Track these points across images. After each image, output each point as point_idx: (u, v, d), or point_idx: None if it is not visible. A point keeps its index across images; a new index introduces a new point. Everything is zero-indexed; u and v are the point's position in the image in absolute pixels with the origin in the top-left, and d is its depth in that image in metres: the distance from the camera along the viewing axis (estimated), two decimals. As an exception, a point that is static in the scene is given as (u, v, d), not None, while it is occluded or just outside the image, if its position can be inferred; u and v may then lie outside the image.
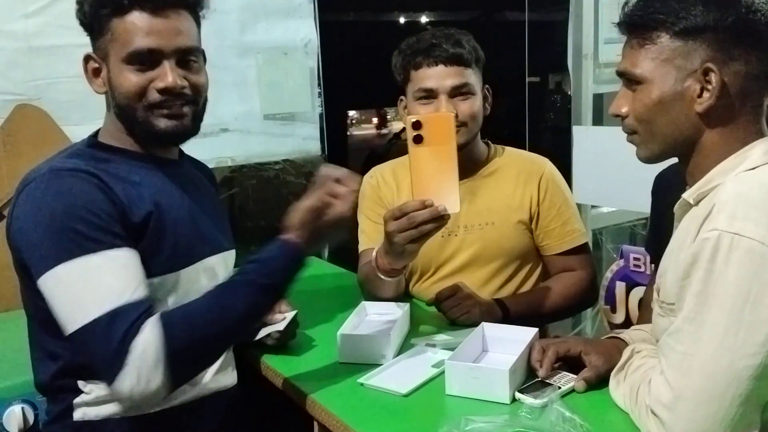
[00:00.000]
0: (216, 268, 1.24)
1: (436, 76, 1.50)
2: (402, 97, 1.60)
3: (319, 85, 2.46)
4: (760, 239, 0.86)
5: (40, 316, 1.08)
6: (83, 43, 2.00)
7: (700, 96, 0.96)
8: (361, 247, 1.68)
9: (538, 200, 1.61)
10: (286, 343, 1.38)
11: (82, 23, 1.13)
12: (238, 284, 1.09)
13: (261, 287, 1.08)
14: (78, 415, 1.13)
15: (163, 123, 1.12)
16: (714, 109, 0.96)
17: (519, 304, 1.56)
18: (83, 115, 2.00)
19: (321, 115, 2.48)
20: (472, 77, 1.53)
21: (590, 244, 3.00)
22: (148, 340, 0.98)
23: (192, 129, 1.17)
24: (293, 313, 1.36)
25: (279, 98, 2.32)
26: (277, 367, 1.31)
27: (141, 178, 1.14)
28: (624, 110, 1.03)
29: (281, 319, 1.34)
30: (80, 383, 1.12)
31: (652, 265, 1.70)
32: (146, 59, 1.09)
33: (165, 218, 1.12)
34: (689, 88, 0.96)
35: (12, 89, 1.92)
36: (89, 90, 2.00)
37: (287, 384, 1.26)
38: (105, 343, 0.97)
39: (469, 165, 1.59)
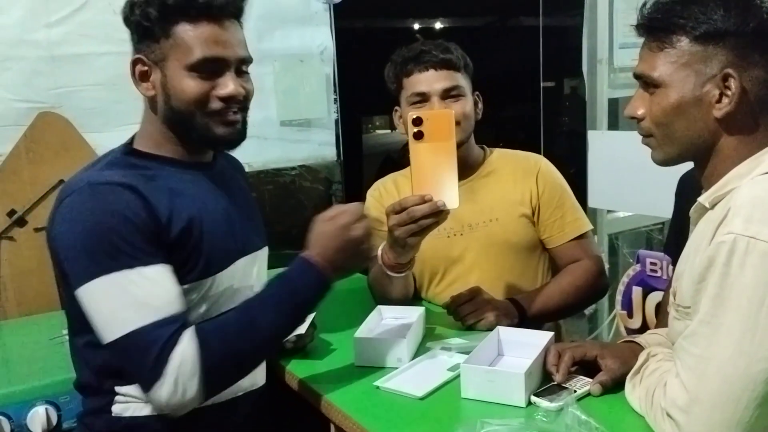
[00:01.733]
0: (249, 267, 1.25)
1: (427, 80, 1.54)
2: (396, 107, 1.64)
3: (334, 91, 2.48)
4: None
5: (80, 321, 1.10)
6: (104, 51, 2.06)
7: (719, 101, 0.96)
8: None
9: (538, 194, 1.63)
10: (305, 346, 1.40)
11: (138, 25, 1.12)
12: (267, 302, 1.12)
13: (290, 306, 1.12)
14: (117, 410, 1.15)
15: (221, 130, 1.14)
16: (732, 115, 0.96)
17: (533, 302, 1.56)
18: (104, 122, 2.05)
19: (337, 121, 2.50)
20: (462, 80, 1.57)
21: (606, 247, 3.01)
22: (186, 351, 1.02)
23: (243, 135, 1.19)
24: (311, 316, 1.38)
25: (295, 105, 2.35)
26: (294, 370, 1.33)
27: (180, 186, 1.15)
28: (640, 112, 1.03)
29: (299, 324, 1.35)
30: (117, 387, 1.14)
31: (671, 269, 1.69)
32: (211, 68, 1.11)
33: (204, 226, 1.14)
34: (708, 93, 0.96)
35: (35, 97, 1.97)
36: (110, 98, 2.07)
37: (304, 386, 1.28)
38: (143, 354, 1.01)
39: (466, 166, 1.62)
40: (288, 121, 2.36)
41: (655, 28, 1.00)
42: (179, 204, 1.12)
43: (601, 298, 1.79)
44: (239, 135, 1.18)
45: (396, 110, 1.64)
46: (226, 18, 1.12)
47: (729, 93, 0.95)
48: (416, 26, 5.20)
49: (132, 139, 1.22)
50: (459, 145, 1.52)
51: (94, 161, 1.20)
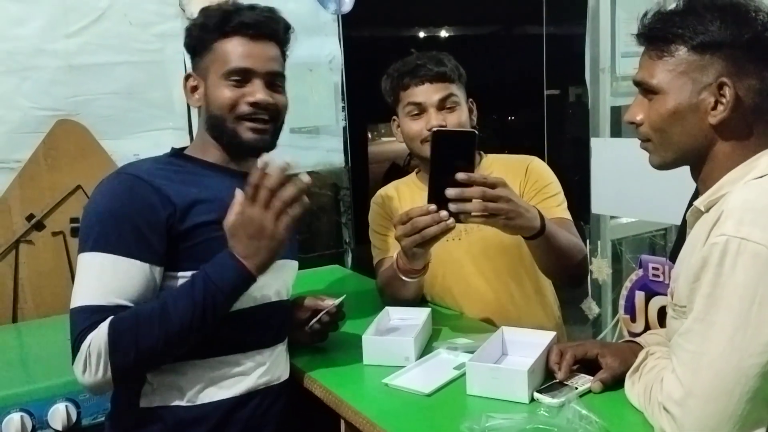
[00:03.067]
0: (277, 273, 1.28)
1: (423, 92, 1.60)
2: (394, 117, 1.70)
3: (342, 99, 2.54)
4: (766, 244, 0.90)
5: None
6: (120, 61, 2.13)
7: (714, 108, 1.00)
8: (375, 260, 1.77)
9: (523, 187, 1.67)
10: (335, 326, 1.43)
11: (187, 46, 1.30)
12: (180, 291, 1.16)
13: (203, 295, 1.13)
14: (144, 402, 1.21)
15: (248, 134, 1.24)
16: (727, 122, 1.00)
17: (551, 223, 1.45)
18: (120, 129, 2.11)
19: (344, 129, 2.56)
20: (457, 91, 1.63)
21: (609, 253, 3.04)
22: (99, 335, 1.10)
23: (270, 144, 1.28)
24: (341, 297, 1.40)
25: (304, 112, 2.41)
26: (305, 367, 1.37)
27: (212, 185, 1.24)
28: (639, 118, 1.07)
29: (330, 304, 1.38)
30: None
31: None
32: (241, 76, 1.23)
33: (221, 230, 1.17)
34: (704, 101, 1.01)
35: (53, 105, 2.03)
36: (126, 106, 2.13)
37: (315, 383, 1.32)
38: (73, 329, 1.13)
39: None
40: (297, 128, 2.42)
41: (654, 38, 1.04)
42: (207, 197, 1.21)
43: (580, 284, 1.75)
44: (266, 143, 1.26)
45: (394, 120, 1.70)
46: (260, 37, 1.26)
47: (724, 101, 0.99)
48: (421, 35, 5.25)
49: (180, 148, 1.35)
50: None
51: (141, 160, 1.33)
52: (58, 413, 1.42)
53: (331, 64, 2.51)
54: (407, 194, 1.76)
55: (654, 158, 1.09)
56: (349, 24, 2.54)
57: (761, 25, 0.99)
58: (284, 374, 1.34)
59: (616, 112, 2.93)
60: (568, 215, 1.67)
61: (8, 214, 1.96)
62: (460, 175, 1.24)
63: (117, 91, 2.11)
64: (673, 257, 1.65)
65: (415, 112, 1.61)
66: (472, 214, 1.25)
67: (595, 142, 2.76)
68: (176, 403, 1.21)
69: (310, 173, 2.50)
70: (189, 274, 1.17)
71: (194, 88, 1.29)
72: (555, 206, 1.65)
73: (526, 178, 1.68)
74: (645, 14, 1.07)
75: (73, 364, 1.13)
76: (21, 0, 1.98)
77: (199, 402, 1.22)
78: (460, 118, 1.62)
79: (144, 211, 1.16)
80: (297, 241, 1.42)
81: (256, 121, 1.24)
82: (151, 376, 1.21)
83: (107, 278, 1.14)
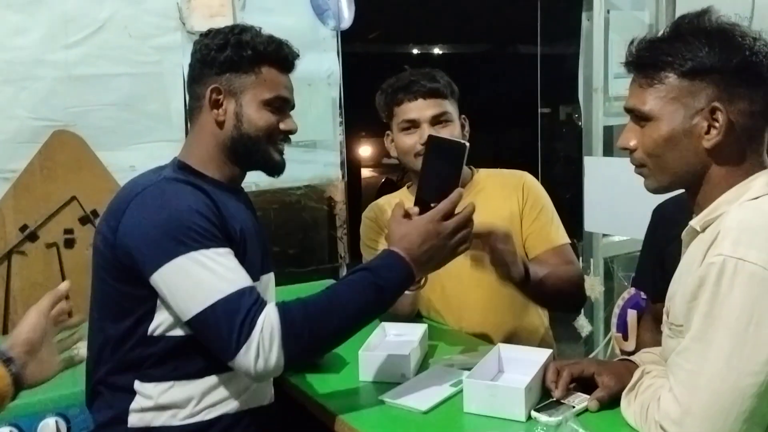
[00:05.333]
0: (269, 286, 1.37)
1: (417, 108, 1.64)
2: (388, 131, 1.73)
3: (340, 114, 2.55)
4: (763, 264, 0.92)
5: (123, 307, 1.21)
6: (119, 72, 2.13)
7: (707, 133, 1.02)
8: None
9: (522, 205, 1.70)
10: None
11: (227, 60, 1.28)
12: (351, 283, 1.21)
13: (370, 287, 1.19)
14: (132, 420, 1.20)
15: (276, 156, 1.33)
16: (720, 145, 1.02)
17: (534, 269, 1.51)
18: (117, 141, 2.11)
19: (341, 143, 2.57)
20: (449, 107, 1.66)
21: (601, 271, 3.06)
22: (268, 320, 1.11)
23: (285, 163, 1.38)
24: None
25: (302, 126, 2.39)
26: (301, 384, 1.37)
27: (225, 200, 1.27)
28: (632, 143, 1.09)
29: None
30: (137, 384, 1.20)
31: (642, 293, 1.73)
32: (279, 106, 1.31)
33: (246, 236, 1.26)
34: (697, 125, 1.02)
35: (51, 116, 2.02)
36: (123, 117, 2.13)
37: (310, 400, 1.32)
38: (230, 321, 1.10)
39: None
40: (295, 142, 2.40)
41: (644, 65, 1.06)
42: (231, 213, 1.25)
43: (578, 310, 1.82)
44: (284, 163, 1.37)
45: (388, 134, 1.73)
46: (289, 71, 1.35)
47: (717, 125, 1.01)
48: (419, 52, 5.29)
49: (177, 159, 1.33)
50: None
51: (150, 170, 1.32)
52: (48, 428, 1.40)
53: (329, 79, 2.52)
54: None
55: (650, 183, 1.10)
56: (347, 40, 2.56)
57: (748, 49, 1.01)
58: (269, 398, 1.34)
59: (609, 132, 2.97)
60: (564, 239, 1.70)
61: (2, 225, 1.95)
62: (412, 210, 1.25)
63: (115, 103, 2.10)
64: (640, 284, 1.67)
65: (409, 127, 1.64)
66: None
67: (588, 161, 2.79)
68: (166, 422, 1.20)
69: (306, 187, 2.52)
70: None
71: (216, 102, 1.29)
72: (552, 232, 1.68)
73: (524, 197, 1.70)
74: (632, 42, 1.08)
75: (236, 353, 1.10)
76: (21, 10, 1.98)
77: (189, 421, 1.21)
78: (453, 133, 1.64)
79: (205, 209, 1.18)
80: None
81: (282, 145, 1.34)
82: (141, 396, 1.20)
83: (224, 267, 1.14)
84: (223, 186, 1.30)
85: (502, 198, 1.71)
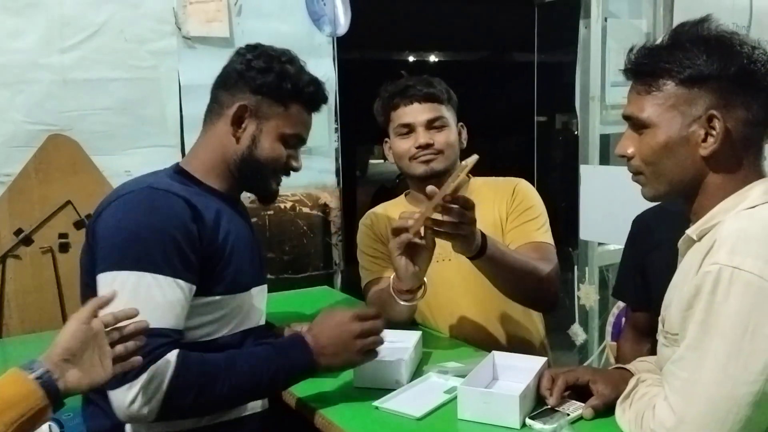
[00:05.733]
0: (260, 297, 1.37)
1: (412, 112, 1.65)
2: (386, 138, 1.73)
3: (336, 120, 2.55)
4: (759, 273, 0.92)
5: None
6: (115, 77, 2.13)
7: (704, 140, 1.02)
8: (363, 281, 1.77)
9: (508, 207, 1.69)
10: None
11: (266, 85, 1.29)
12: (252, 355, 1.22)
13: (270, 364, 1.20)
14: (129, 430, 1.19)
15: (275, 186, 1.37)
16: (717, 153, 1.02)
17: (496, 246, 1.47)
18: (113, 146, 2.10)
19: (337, 150, 2.57)
20: (446, 112, 1.67)
21: (596, 280, 3.05)
22: (163, 369, 1.09)
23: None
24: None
25: (297, 133, 2.41)
26: (294, 389, 1.35)
27: (220, 209, 1.28)
28: (630, 151, 1.09)
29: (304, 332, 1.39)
30: None
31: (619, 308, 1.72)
32: (295, 143, 1.35)
33: (236, 246, 1.26)
34: (694, 133, 1.02)
35: (46, 120, 2.02)
36: (119, 122, 2.13)
37: (304, 406, 1.31)
38: None
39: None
40: (290, 148, 2.42)
41: (642, 72, 1.06)
42: (221, 220, 1.25)
43: (545, 309, 1.73)
44: (278, 193, 1.40)
45: (386, 141, 1.73)
46: (315, 112, 1.39)
47: (714, 132, 1.01)
48: (415, 59, 5.30)
49: (177, 165, 1.34)
50: (444, 172, 1.62)
51: (147, 174, 1.33)
52: (41, 432, 1.39)
53: (325, 86, 2.52)
54: (396, 216, 1.76)
55: (647, 191, 1.10)
56: (343, 46, 2.56)
57: (747, 57, 1.01)
58: (260, 406, 1.34)
59: (605, 140, 2.98)
60: (546, 238, 1.67)
61: (-4, 228, 1.94)
62: (429, 189, 1.31)
63: (110, 107, 2.10)
64: (622, 294, 1.66)
65: (405, 132, 1.65)
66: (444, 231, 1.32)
67: (584, 169, 2.80)
68: (163, 430, 1.19)
69: (302, 193, 2.51)
70: (218, 298, 1.22)
71: (238, 119, 1.29)
72: (534, 229, 1.66)
73: (512, 198, 1.70)
74: (631, 49, 1.08)
75: (115, 390, 1.08)
76: (17, 13, 1.98)
77: (186, 428, 1.21)
78: (448, 138, 1.65)
79: (182, 227, 1.17)
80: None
81: (281, 177, 1.37)
82: None
83: (155, 302, 1.12)
84: (220, 195, 1.30)
85: (492, 204, 1.71)
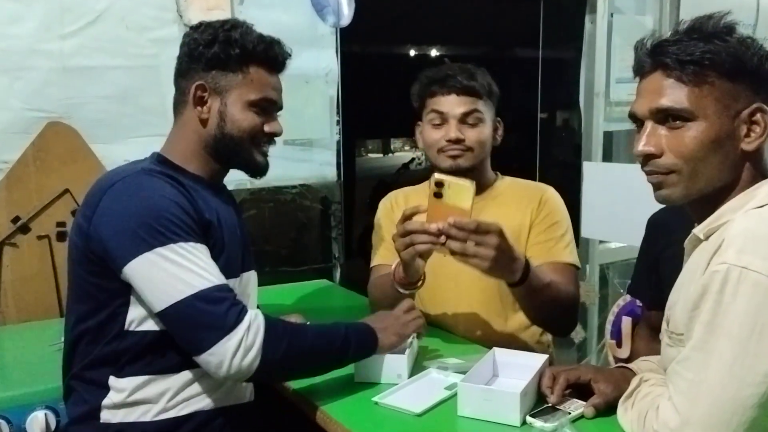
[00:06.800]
0: (250, 283, 1.36)
1: (448, 103, 1.61)
2: (419, 122, 1.70)
3: (337, 113, 2.53)
4: (767, 273, 0.90)
5: (98, 301, 1.19)
6: (115, 65, 2.11)
7: (747, 135, 0.99)
8: (372, 263, 1.76)
9: (534, 215, 1.66)
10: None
11: (214, 57, 1.25)
12: (323, 326, 1.29)
13: (341, 336, 1.25)
14: (105, 416, 1.19)
15: (259, 158, 1.32)
16: (759, 148, 1.00)
17: (537, 278, 1.44)
18: (112, 134, 2.08)
19: (338, 142, 2.55)
20: (482, 107, 1.62)
21: (596, 277, 3.04)
22: (257, 319, 1.11)
23: (268, 165, 1.36)
24: (306, 322, 1.48)
25: (298, 125, 2.39)
26: (291, 383, 1.34)
27: (207, 195, 1.26)
28: (658, 149, 1.02)
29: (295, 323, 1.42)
30: (111, 379, 1.19)
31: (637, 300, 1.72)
32: (265, 107, 1.29)
33: (224, 231, 1.25)
34: (738, 128, 1.00)
35: (45, 107, 1.99)
36: (118, 110, 2.11)
37: (302, 400, 1.30)
38: (215, 308, 1.10)
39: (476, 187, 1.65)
40: (291, 140, 2.40)
41: (685, 62, 1.00)
42: (208, 208, 1.23)
43: (565, 334, 1.75)
44: (267, 165, 1.35)
45: (418, 125, 1.70)
46: (279, 72, 1.33)
47: (758, 128, 0.99)
48: (419, 53, 5.26)
49: (157, 153, 1.31)
50: (471, 170, 1.60)
51: (129, 163, 1.30)
52: (37, 421, 1.38)
53: (327, 77, 2.50)
54: (414, 203, 1.75)
55: (676, 191, 1.03)
56: (346, 38, 2.54)
57: (760, 50, 1.00)
58: (247, 396, 1.33)
59: (609, 137, 2.96)
60: (571, 259, 1.64)
61: (-7, 216, 1.92)
62: (454, 221, 1.26)
63: (110, 95, 2.07)
64: (639, 289, 1.66)
65: (437, 122, 1.62)
66: (453, 251, 1.27)
67: (587, 166, 2.78)
68: (139, 419, 1.19)
69: (302, 186, 2.50)
70: None
71: (201, 100, 1.26)
72: (560, 248, 1.63)
73: (539, 209, 1.66)
74: (644, 42, 1.04)
75: (218, 340, 1.08)
76: (17, -1, 1.96)
77: (162, 417, 1.20)
78: (480, 134, 1.62)
79: (185, 203, 1.17)
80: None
81: (266, 147, 1.33)
82: (114, 392, 1.19)
83: (203, 264, 1.13)
84: (203, 182, 1.29)
85: (517, 208, 1.67)
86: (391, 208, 1.78)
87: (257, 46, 1.26)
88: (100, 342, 1.19)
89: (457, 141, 1.60)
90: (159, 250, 1.11)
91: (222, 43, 1.25)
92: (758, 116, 0.99)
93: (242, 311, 1.11)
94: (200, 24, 1.30)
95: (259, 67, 1.27)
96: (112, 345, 1.18)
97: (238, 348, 1.09)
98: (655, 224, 1.57)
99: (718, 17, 1.02)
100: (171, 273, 1.10)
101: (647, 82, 1.04)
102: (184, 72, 1.28)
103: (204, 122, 1.27)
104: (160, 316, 1.13)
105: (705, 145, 1.00)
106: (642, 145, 1.03)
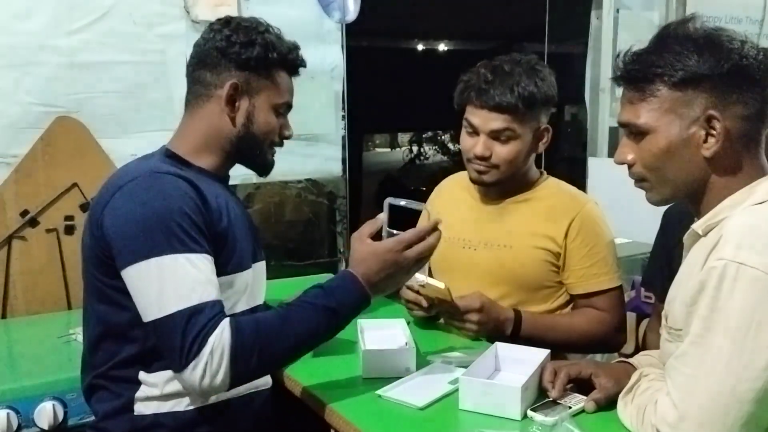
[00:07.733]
0: (261, 272, 1.39)
1: (480, 116, 1.56)
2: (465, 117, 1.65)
3: (343, 108, 2.54)
4: (764, 269, 0.91)
5: (110, 301, 1.20)
6: (123, 60, 2.13)
7: (705, 141, 1.01)
8: None
9: (568, 238, 1.60)
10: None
11: (248, 60, 1.27)
12: (304, 305, 1.20)
13: (323, 309, 1.19)
14: (139, 408, 1.20)
15: (271, 158, 1.37)
16: (720, 152, 1.01)
17: (535, 326, 1.55)
18: (119, 129, 2.10)
19: (344, 137, 2.56)
20: (518, 122, 1.55)
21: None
22: (219, 339, 1.10)
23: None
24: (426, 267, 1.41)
25: (304, 120, 2.39)
26: (297, 376, 1.36)
27: (217, 189, 1.28)
28: (630, 158, 1.08)
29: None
30: (142, 374, 1.20)
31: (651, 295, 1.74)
32: (285, 111, 1.35)
33: (235, 225, 1.27)
34: (694, 135, 1.01)
35: (53, 102, 2.01)
36: (126, 105, 2.13)
37: (305, 392, 1.31)
38: (184, 334, 1.08)
39: (508, 188, 1.65)
40: (296, 135, 2.40)
41: (634, 79, 1.04)
42: (220, 201, 1.25)
43: (614, 352, 1.79)
44: (274, 164, 1.39)
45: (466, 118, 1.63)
46: (296, 76, 1.37)
47: (714, 133, 1.00)
48: (425, 48, 5.25)
49: (166, 148, 1.32)
50: (492, 185, 1.61)
51: (140, 157, 1.31)
52: (45, 412, 1.41)
53: (333, 73, 2.51)
54: (446, 194, 1.80)
55: (653, 196, 1.09)
56: (352, 33, 2.55)
57: (738, 53, 1.00)
58: (264, 383, 1.34)
59: (615, 133, 2.96)
60: (612, 283, 1.60)
61: (2, 209, 1.94)
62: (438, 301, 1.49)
63: (118, 91, 2.09)
64: (651, 281, 1.67)
65: (470, 130, 1.59)
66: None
67: (592, 162, 2.78)
68: (172, 409, 1.21)
69: (307, 180, 2.51)
70: (229, 278, 1.23)
71: (231, 98, 1.27)
72: (601, 274, 1.59)
73: (575, 231, 1.59)
74: (618, 55, 1.07)
75: (183, 368, 1.09)
76: (26, -6, 1.97)
77: (195, 406, 1.22)
78: (510, 152, 1.56)
79: (194, 206, 1.17)
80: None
81: (277, 147, 1.37)
82: (146, 386, 1.20)
83: (193, 277, 1.12)
84: (209, 174, 1.29)
85: (546, 217, 1.62)
86: (431, 199, 1.82)
87: (290, 53, 1.31)
88: (126, 342, 1.20)
89: (483, 158, 1.57)
90: (156, 259, 1.11)
91: (262, 46, 1.27)
92: (713, 122, 1.00)
93: (208, 334, 1.08)
94: (228, 20, 1.30)
95: (284, 72, 1.32)
96: (139, 344, 1.19)
97: (204, 375, 1.08)
98: (669, 217, 1.57)
99: (678, 23, 1.04)
100: (161, 286, 1.10)
101: (621, 96, 1.09)
102: (211, 66, 1.27)
103: (232, 120, 1.28)
104: (146, 325, 1.14)
105: (662, 155, 1.03)
106: (615, 156, 1.10)
